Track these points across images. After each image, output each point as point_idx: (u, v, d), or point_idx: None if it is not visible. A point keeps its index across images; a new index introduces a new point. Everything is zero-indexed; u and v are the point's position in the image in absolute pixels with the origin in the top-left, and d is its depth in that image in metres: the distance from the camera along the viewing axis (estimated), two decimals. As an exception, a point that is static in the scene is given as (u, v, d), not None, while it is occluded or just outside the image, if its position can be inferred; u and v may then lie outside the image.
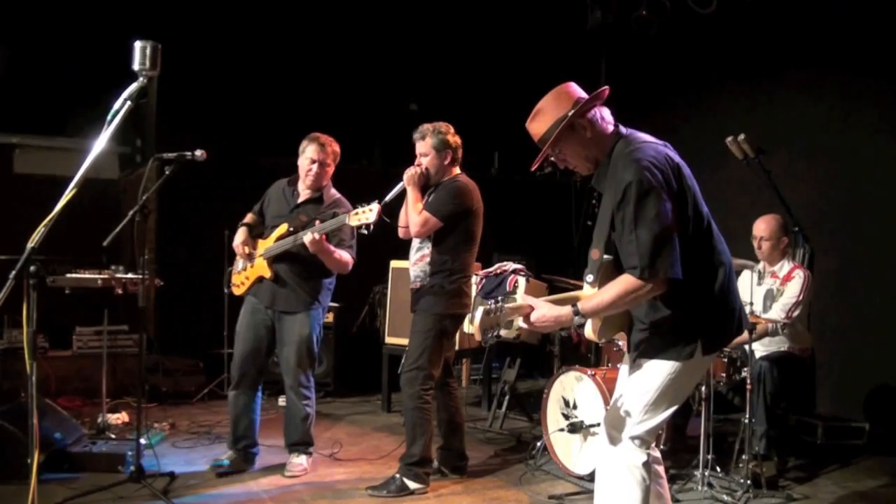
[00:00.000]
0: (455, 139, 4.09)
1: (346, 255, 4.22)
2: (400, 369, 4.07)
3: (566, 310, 2.48)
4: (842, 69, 5.52)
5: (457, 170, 4.15)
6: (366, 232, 3.95)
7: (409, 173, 4.04)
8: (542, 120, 2.61)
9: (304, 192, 4.33)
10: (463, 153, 4.18)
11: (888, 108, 5.24)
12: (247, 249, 4.28)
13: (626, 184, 2.42)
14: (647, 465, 2.56)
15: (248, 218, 4.42)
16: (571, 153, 2.65)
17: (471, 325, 5.38)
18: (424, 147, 4.05)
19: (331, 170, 4.32)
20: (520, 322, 2.55)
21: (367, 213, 3.89)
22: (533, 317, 2.50)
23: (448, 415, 4.20)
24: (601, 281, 2.55)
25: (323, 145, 4.24)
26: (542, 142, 2.62)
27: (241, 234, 4.34)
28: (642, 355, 2.59)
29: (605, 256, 2.56)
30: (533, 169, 2.73)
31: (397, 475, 3.99)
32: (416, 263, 4.09)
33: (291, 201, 4.34)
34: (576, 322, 2.48)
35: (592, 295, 2.50)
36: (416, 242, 4.12)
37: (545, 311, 2.50)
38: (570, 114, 2.56)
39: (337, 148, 4.32)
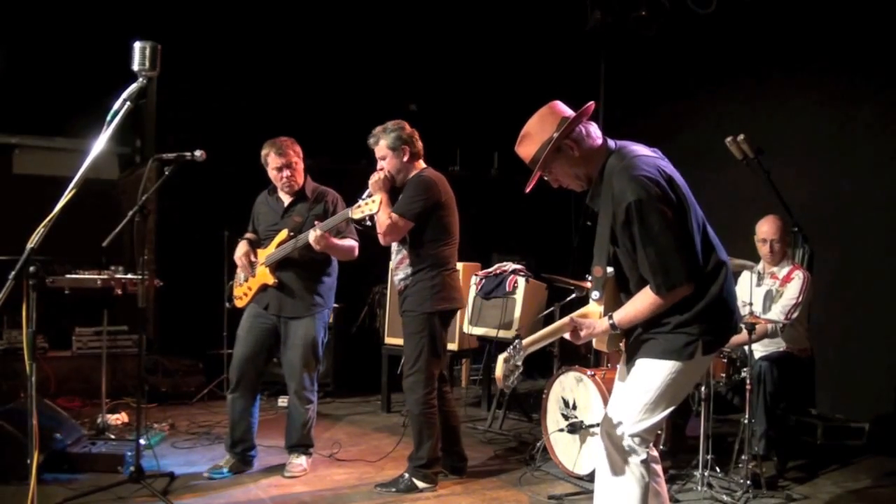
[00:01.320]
0: (408, 132, 4.00)
1: (349, 242, 4.24)
2: (399, 370, 4.07)
3: (605, 323, 2.60)
4: (841, 69, 5.53)
5: (421, 163, 4.07)
6: (370, 224, 3.94)
7: (373, 180, 3.96)
8: (529, 144, 2.64)
9: (286, 197, 4.35)
10: (461, 151, 4.16)
11: (887, 107, 5.24)
12: (249, 258, 4.29)
13: (627, 203, 2.45)
14: (645, 463, 2.58)
15: (248, 235, 4.44)
16: (562, 174, 2.67)
17: (469, 325, 5.40)
18: (380, 151, 3.98)
19: (300, 166, 4.29)
20: (567, 336, 2.66)
21: (371, 205, 3.87)
22: (583, 334, 2.62)
23: (443, 418, 4.16)
24: (607, 296, 2.65)
25: (280, 148, 4.21)
26: (534, 164, 2.65)
27: (242, 246, 4.35)
28: (642, 355, 2.61)
29: (609, 270, 2.63)
30: (527, 191, 2.75)
31: (406, 474, 4.00)
32: (398, 267, 4.06)
33: (278, 208, 4.36)
34: (613, 333, 2.62)
35: (625, 307, 2.59)
36: (394, 246, 4.08)
37: (590, 329, 2.62)
38: (555, 136, 2.57)
39: (297, 146, 4.29)
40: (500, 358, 2.53)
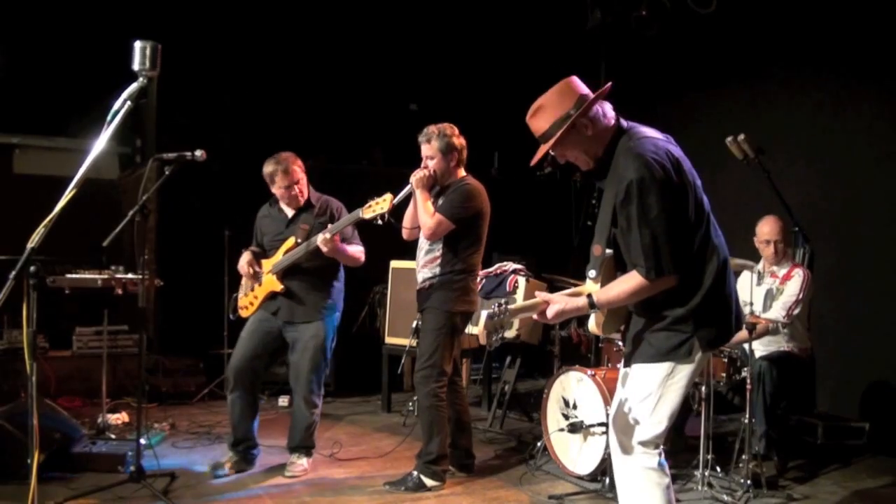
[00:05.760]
0: (460, 141, 4.11)
1: (356, 248, 4.27)
2: (399, 369, 4.08)
3: (582, 300, 2.53)
4: (841, 69, 5.52)
5: (462, 171, 4.16)
6: (381, 222, 3.97)
7: (418, 176, 4.03)
8: (544, 117, 2.57)
9: (290, 209, 4.35)
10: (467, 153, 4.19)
11: (887, 108, 5.23)
12: (252, 269, 4.30)
13: (628, 181, 2.42)
14: (661, 466, 2.56)
15: (252, 248, 4.45)
16: (572, 152, 2.62)
17: (470, 324, 5.40)
18: (430, 150, 4.05)
19: (305, 179, 4.30)
20: (535, 317, 2.58)
21: (382, 204, 3.92)
22: (550, 312, 2.53)
23: (455, 413, 4.21)
24: (603, 276, 2.58)
25: (286, 169, 4.20)
26: (544, 138, 2.59)
27: (245, 255, 4.36)
28: (638, 360, 2.58)
29: (607, 251, 2.59)
30: (532, 164, 2.69)
31: (415, 472, 4.02)
32: (425, 265, 4.09)
33: (283, 218, 4.36)
34: (591, 312, 2.55)
35: (608, 287, 2.54)
36: (424, 244, 4.12)
37: (562, 305, 2.53)
38: (572, 113, 2.52)
39: (299, 160, 4.28)
40: (485, 312, 2.47)
